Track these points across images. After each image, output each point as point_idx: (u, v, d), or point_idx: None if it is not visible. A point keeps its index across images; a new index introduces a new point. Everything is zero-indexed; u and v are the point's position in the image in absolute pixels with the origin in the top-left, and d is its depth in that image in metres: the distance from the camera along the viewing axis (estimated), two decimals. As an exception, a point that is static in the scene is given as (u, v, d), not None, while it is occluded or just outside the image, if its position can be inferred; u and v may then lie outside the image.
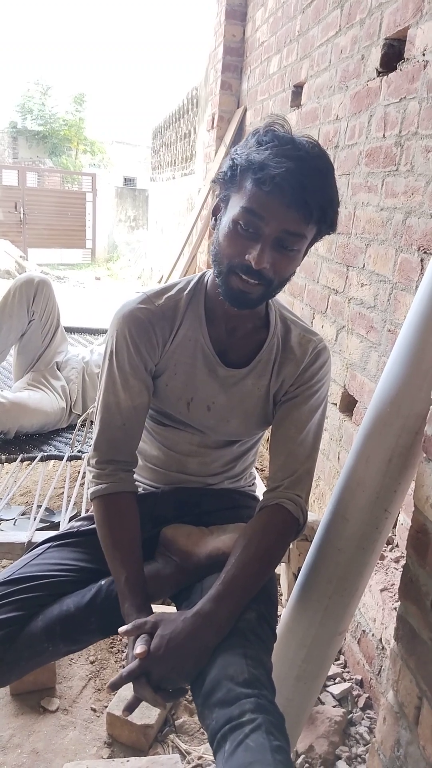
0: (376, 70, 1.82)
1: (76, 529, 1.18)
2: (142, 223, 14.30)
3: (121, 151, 20.73)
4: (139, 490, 1.24)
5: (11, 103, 18.00)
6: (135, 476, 1.22)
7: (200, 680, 0.91)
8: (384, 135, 1.75)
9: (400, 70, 1.66)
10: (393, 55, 1.75)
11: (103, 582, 1.07)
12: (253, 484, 1.37)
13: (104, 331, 3.48)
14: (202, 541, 1.12)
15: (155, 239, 9.60)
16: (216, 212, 1.05)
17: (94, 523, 1.15)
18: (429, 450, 0.97)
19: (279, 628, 1.19)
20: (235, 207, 0.98)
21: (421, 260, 1.50)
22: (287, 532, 1.07)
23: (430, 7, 1.51)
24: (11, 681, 1.04)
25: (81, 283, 10.30)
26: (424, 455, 0.98)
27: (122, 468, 1.13)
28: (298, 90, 2.73)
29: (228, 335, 1.13)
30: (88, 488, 1.13)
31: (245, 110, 3.85)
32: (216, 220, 1.04)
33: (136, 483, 1.23)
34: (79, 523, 1.21)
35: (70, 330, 3.30)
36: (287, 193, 0.92)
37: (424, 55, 1.53)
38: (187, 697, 1.56)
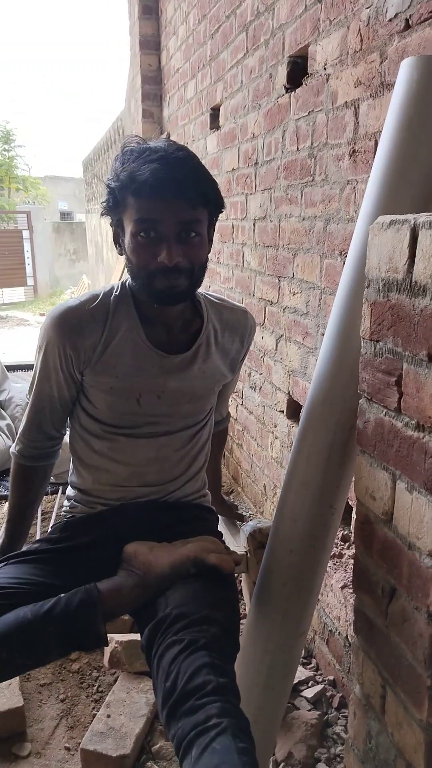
0: (284, 86, 1.89)
1: (34, 549, 1.18)
2: (82, 255, 14.22)
3: (55, 186, 20.69)
4: (98, 508, 1.25)
5: None
6: (94, 497, 1.25)
7: (168, 693, 0.91)
8: (298, 148, 1.81)
9: (306, 85, 1.73)
10: (298, 71, 1.82)
11: (62, 595, 1.05)
12: (206, 495, 1.38)
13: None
14: (165, 553, 1.12)
15: (95, 269, 9.59)
16: (117, 239, 1.14)
17: (53, 544, 1.19)
18: (363, 443, 1.00)
19: (242, 638, 1.19)
20: (129, 224, 1.07)
21: (344, 264, 1.55)
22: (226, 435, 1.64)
23: (325, 25, 1.59)
24: None
25: (24, 320, 10.18)
26: (360, 448, 1.01)
27: (50, 445, 1.28)
28: (215, 112, 2.80)
29: (167, 333, 1.20)
30: (12, 449, 1.28)
31: (168, 136, 3.92)
32: (120, 245, 1.13)
33: (95, 502, 1.25)
34: (37, 545, 1.20)
35: (12, 368, 3.27)
36: (165, 190, 1.01)
37: (325, 69, 1.60)
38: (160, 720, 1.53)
